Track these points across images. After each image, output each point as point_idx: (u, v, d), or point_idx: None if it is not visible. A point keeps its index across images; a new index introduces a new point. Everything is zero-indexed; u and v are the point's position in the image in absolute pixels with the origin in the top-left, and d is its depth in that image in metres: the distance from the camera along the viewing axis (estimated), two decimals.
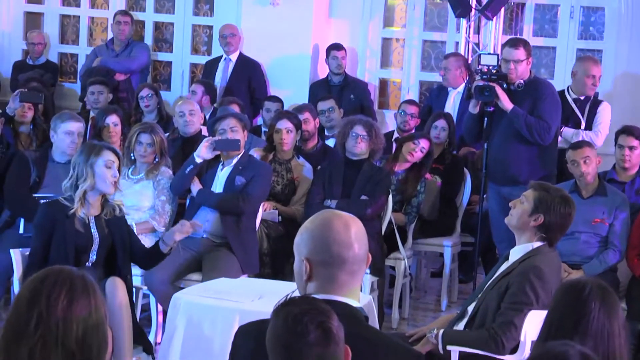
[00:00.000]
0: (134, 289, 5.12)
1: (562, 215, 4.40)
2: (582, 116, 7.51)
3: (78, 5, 10.45)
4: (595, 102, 7.60)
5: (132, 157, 6.30)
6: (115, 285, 4.71)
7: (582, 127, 7.48)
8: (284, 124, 6.98)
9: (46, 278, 2.44)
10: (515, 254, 4.47)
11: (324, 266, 2.70)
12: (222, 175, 6.26)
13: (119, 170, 5.02)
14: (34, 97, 7.75)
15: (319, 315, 2.40)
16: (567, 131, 7.40)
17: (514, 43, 6.77)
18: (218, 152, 6.25)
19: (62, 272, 2.46)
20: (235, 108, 7.60)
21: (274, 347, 2.42)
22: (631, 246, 6.13)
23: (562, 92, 7.48)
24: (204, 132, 7.30)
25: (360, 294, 2.79)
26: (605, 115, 7.55)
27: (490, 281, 4.49)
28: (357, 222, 2.78)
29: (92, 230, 4.96)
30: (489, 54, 7.61)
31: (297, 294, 2.51)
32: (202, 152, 6.19)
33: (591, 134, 7.41)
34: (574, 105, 7.51)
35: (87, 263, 4.95)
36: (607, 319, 2.92)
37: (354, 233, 2.72)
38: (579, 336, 2.85)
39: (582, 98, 7.55)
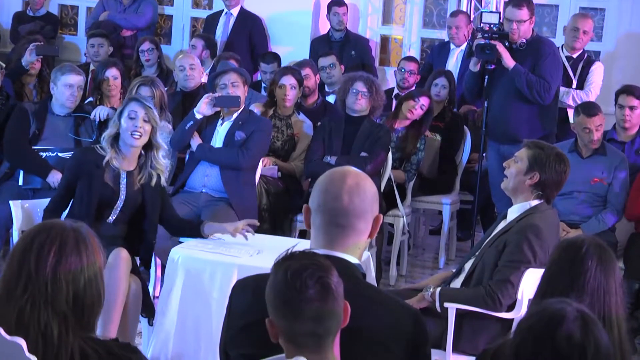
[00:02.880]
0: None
1: (558, 172, 4.40)
2: (574, 75, 7.49)
3: None
4: (589, 62, 7.58)
5: None
6: (119, 257, 4.59)
7: (573, 86, 7.46)
8: (288, 80, 6.94)
9: (37, 235, 2.41)
10: (513, 212, 4.48)
11: (315, 214, 2.71)
12: (222, 130, 6.25)
13: (152, 122, 4.85)
14: (50, 50, 7.75)
15: (318, 270, 2.40)
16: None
17: (517, 2, 6.65)
18: (218, 109, 6.23)
19: (52, 229, 2.43)
20: (234, 63, 7.56)
21: (273, 302, 2.43)
22: (630, 205, 6.14)
23: None
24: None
25: (362, 252, 2.77)
26: (597, 75, 7.53)
27: (488, 239, 4.50)
28: (359, 178, 2.72)
29: (121, 186, 4.87)
30: (491, 12, 7.56)
31: (298, 248, 2.50)
32: (202, 109, 6.17)
33: (582, 93, 7.39)
34: (566, 64, 7.47)
35: (108, 219, 4.90)
36: (603, 277, 2.93)
37: (347, 186, 2.67)
38: (576, 294, 2.87)
39: (574, 56, 7.53)
